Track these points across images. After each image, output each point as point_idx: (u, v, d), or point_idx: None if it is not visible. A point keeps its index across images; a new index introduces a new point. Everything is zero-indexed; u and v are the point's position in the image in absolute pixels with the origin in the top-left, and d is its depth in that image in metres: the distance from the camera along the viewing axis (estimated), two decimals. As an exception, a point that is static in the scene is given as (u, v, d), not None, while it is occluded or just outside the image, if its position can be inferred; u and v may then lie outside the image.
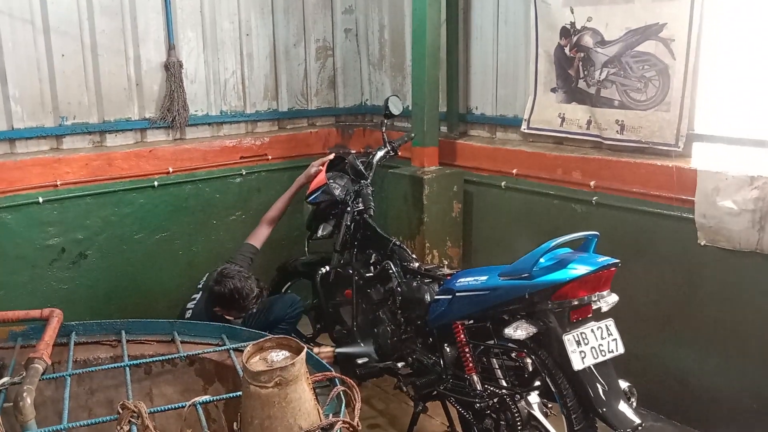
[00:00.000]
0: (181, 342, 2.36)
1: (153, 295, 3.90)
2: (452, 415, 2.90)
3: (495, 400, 2.43)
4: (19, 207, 3.46)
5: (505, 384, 2.49)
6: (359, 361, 3.10)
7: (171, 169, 3.92)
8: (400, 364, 2.91)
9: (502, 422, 2.45)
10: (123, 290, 3.86)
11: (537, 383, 2.40)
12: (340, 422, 1.74)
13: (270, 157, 4.27)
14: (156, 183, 3.88)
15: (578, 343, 2.18)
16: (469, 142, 3.96)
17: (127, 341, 2.36)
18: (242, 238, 4.12)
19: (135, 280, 3.88)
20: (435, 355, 2.74)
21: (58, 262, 3.64)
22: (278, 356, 1.80)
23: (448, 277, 2.66)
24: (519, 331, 2.22)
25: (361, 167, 3.06)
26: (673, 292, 3.13)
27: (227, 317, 3.07)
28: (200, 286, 3.20)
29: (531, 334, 2.23)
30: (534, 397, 2.46)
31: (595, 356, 2.20)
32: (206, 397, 1.93)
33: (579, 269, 2.17)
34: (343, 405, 1.83)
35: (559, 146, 3.64)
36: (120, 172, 3.76)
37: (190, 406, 1.88)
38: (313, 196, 3.30)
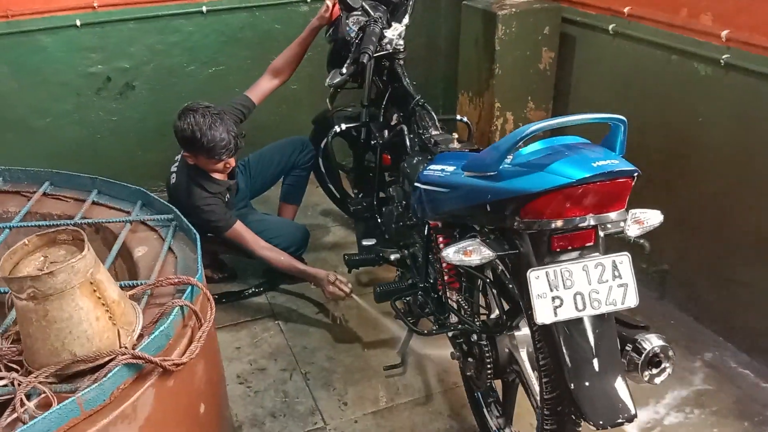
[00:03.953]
0: (98, 204, 2.01)
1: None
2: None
3: (458, 332, 1.80)
4: (56, 30, 3.23)
5: (483, 312, 1.83)
6: (365, 242, 2.58)
7: (221, -7, 3.43)
8: (393, 256, 2.33)
9: (470, 360, 1.82)
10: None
11: (511, 322, 1.72)
12: (127, 357, 1.27)
13: (341, -20, 3.56)
14: (204, 8, 3.43)
15: (552, 285, 1.43)
16: (577, -34, 2.90)
17: (46, 194, 2.06)
18: (307, 79, 3.63)
19: (186, 117, 3.60)
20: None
21: (104, 91, 3.44)
22: (62, 256, 1.34)
23: (440, 157, 1.95)
24: (473, 256, 1.50)
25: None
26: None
27: (214, 176, 2.61)
28: None
29: (485, 261, 1.50)
30: (525, 333, 1.78)
31: (581, 307, 1.44)
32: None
33: (564, 174, 1.35)
34: (159, 330, 1.35)
35: (694, -26, 2.49)
36: (163, -6, 3.35)
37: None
38: (328, 33, 2.63)
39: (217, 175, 2.62)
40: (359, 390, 2.33)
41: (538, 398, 1.70)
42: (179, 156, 2.66)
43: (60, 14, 3.20)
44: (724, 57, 2.25)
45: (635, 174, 1.36)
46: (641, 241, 2.60)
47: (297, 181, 3.06)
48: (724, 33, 2.23)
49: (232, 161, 2.56)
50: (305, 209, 3.45)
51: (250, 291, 2.88)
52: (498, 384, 1.97)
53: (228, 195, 2.66)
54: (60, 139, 3.42)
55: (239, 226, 2.58)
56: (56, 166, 2.20)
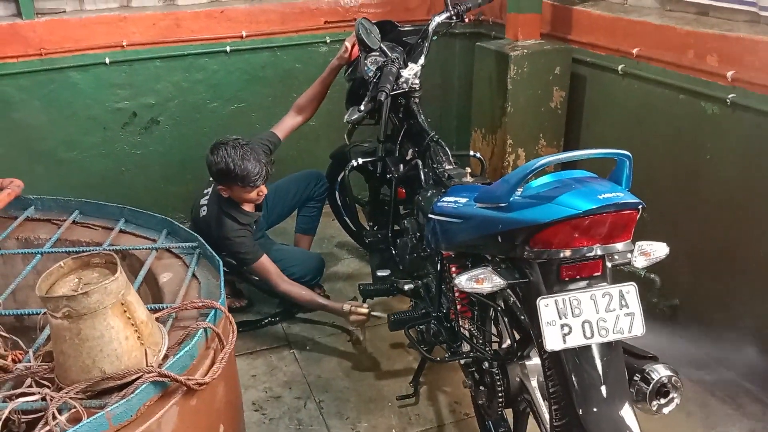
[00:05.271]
0: (125, 232, 2.10)
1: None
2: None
3: (470, 360, 1.85)
4: (87, 67, 3.37)
5: (494, 340, 1.88)
6: (379, 273, 2.64)
7: (245, 34, 3.57)
8: (406, 287, 2.39)
9: (482, 388, 1.86)
10: (198, 160, 3.66)
11: (522, 351, 1.76)
12: (153, 375, 1.34)
13: (359, 23, 3.70)
14: (228, 48, 3.57)
15: (561, 313, 1.48)
16: (587, 9, 3.00)
17: (76, 222, 2.16)
18: (326, 115, 3.73)
19: (209, 151, 3.72)
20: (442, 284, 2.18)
21: (129, 126, 3.57)
22: (95, 278, 1.42)
23: (453, 191, 2.02)
24: (485, 283, 1.56)
25: (365, 36, 2.38)
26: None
27: (244, 208, 2.71)
28: (211, 178, 2.76)
29: (496, 289, 1.56)
30: (535, 363, 1.83)
31: (589, 335, 1.49)
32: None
33: (572, 206, 1.42)
34: (184, 351, 1.42)
35: (701, 18, 2.59)
36: (189, 34, 3.49)
37: None
38: (347, 72, 2.74)
39: (246, 207, 2.71)
40: (372, 419, 2.37)
41: (548, 427, 1.74)
42: (209, 189, 2.76)
43: (90, 52, 3.35)
44: (729, 96, 2.32)
45: (639, 206, 1.43)
46: (651, 275, 2.65)
47: (312, 213, 3.16)
48: (729, 73, 2.31)
49: (264, 189, 2.66)
50: (321, 241, 3.53)
51: (267, 320, 2.94)
52: (509, 415, 2.01)
53: (254, 226, 2.75)
54: (87, 171, 3.53)
55: (265, 260, 2.66)
56: (83, 197, 2.29)
